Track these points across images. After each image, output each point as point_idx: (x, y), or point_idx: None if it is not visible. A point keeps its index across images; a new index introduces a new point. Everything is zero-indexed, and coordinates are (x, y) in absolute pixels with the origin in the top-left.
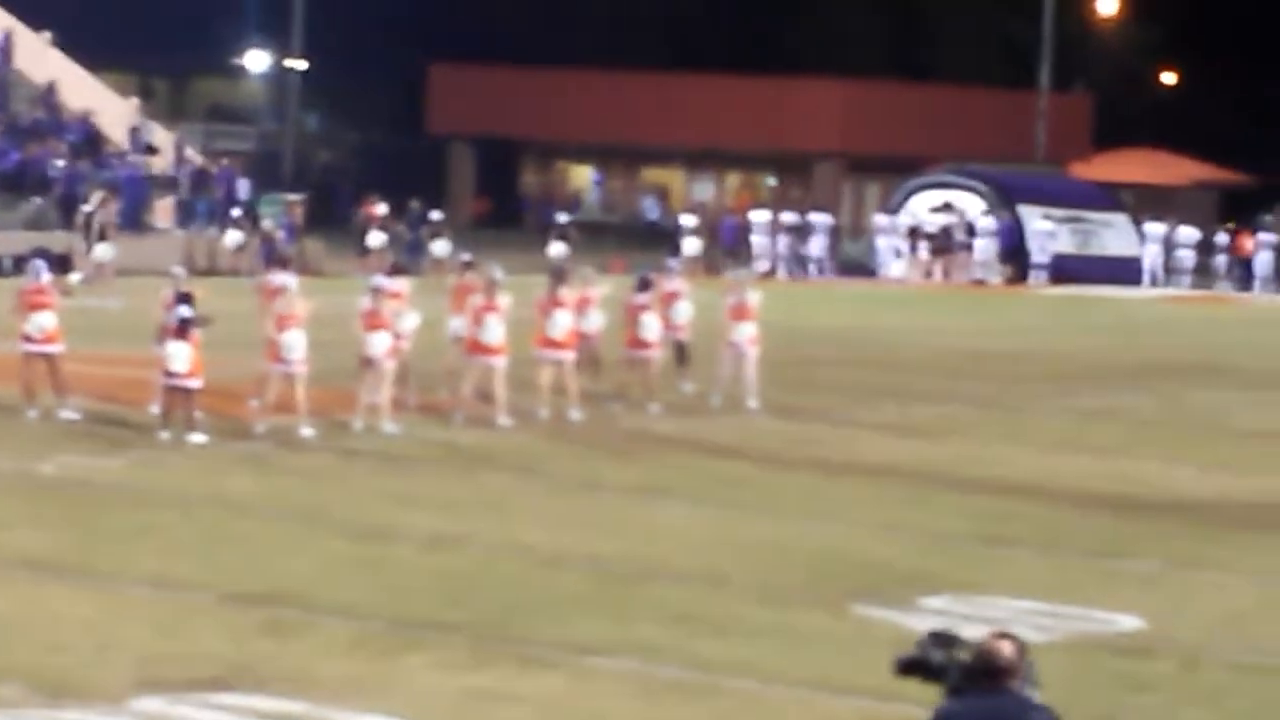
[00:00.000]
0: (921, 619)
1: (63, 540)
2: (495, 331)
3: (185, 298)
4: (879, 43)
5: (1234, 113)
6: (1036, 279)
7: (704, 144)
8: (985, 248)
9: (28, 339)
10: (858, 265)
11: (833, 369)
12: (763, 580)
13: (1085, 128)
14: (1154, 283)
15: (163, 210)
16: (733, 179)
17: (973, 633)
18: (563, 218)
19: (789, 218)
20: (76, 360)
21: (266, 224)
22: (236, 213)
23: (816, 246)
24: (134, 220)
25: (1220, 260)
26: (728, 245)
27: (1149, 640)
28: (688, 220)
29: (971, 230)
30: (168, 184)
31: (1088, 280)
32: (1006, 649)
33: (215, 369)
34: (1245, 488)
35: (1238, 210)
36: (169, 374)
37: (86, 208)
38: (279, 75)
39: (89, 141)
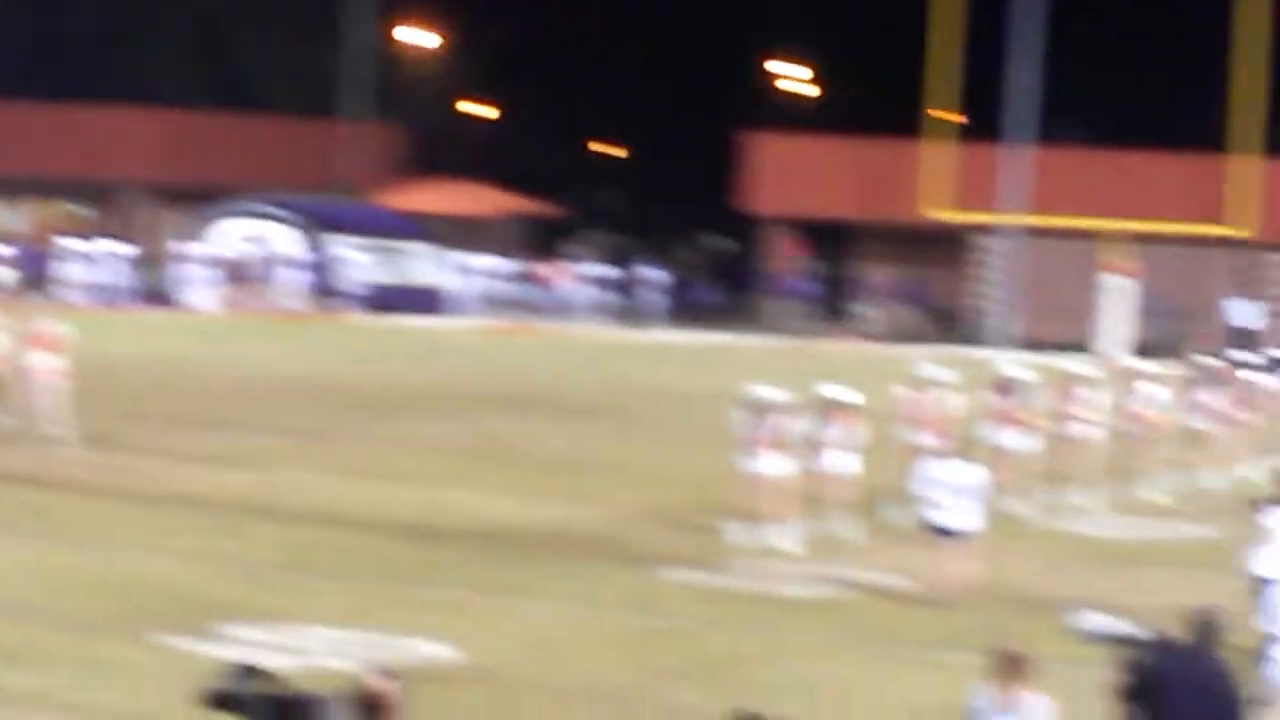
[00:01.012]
0: (229, 649)
1: None
2: None
3: None
4: (190, 72)
5: (545, 145)
6: (346, 308)
7: (6, 171)
8: (294, 277)
9: None
10: (163, 294)
11: (141, 398)
12: (67, 610)
13: (397, 158)
14: (465, 312)
15: None
16: (38, 207)
17: (281, 663)
18: None
19: (92, 246)
20: None
21: None
22: None
23: (119, 275)
24: None
25: (531, 290)
26: (31, 274)
27: (458, 667)
28: None
29: (281, 260)
30: None
31: (398, 310)
32: (381, 686)
33: None
34: (553, 515)
35: (549, 241)
36: None
37: None
38: None
39: None
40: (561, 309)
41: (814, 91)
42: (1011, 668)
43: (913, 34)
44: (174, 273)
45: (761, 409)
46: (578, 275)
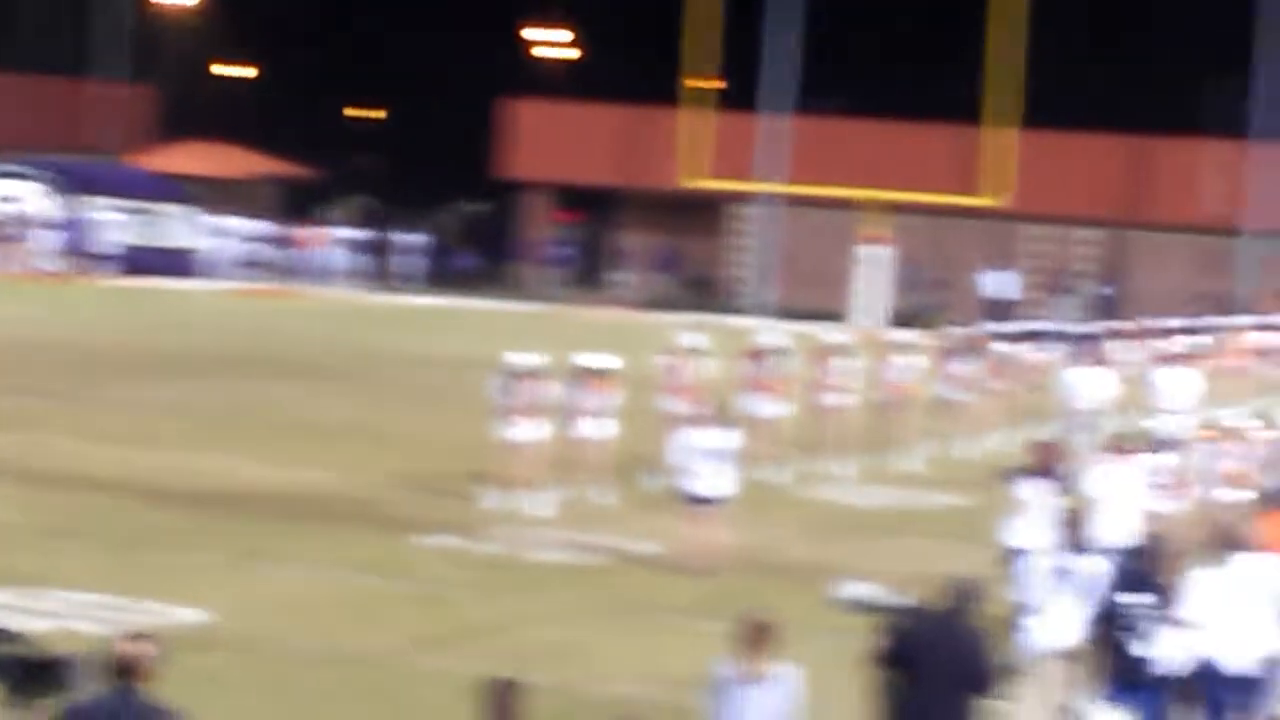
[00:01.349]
0: None
1: None
2: None
3: None
4: None
5: (301, 107)
6: (100, 270)
7: None
8: (47, 238)
9: None
10: None
11: None
12: None
13: (151, 119)
14: (219, 275)
15: None
16: None
17: (30, 626)
18: None
19: None
20: None
21: None
22: None
23: None
24: None
25: (286, 253)
26: None
27: (211, 632)
28: None
29: (34, 220)
30: None
31: (153, 272)
32: (134, 650)
33: None
34: (307, 480)
35: (305, 204)
36: None
37: None
38: None
39: None
40: (317, 273)
41: (573, 57)
42: (756, 637)
43: (672, 1)
44: None
45: (517, 375)
46: (334, 239)
